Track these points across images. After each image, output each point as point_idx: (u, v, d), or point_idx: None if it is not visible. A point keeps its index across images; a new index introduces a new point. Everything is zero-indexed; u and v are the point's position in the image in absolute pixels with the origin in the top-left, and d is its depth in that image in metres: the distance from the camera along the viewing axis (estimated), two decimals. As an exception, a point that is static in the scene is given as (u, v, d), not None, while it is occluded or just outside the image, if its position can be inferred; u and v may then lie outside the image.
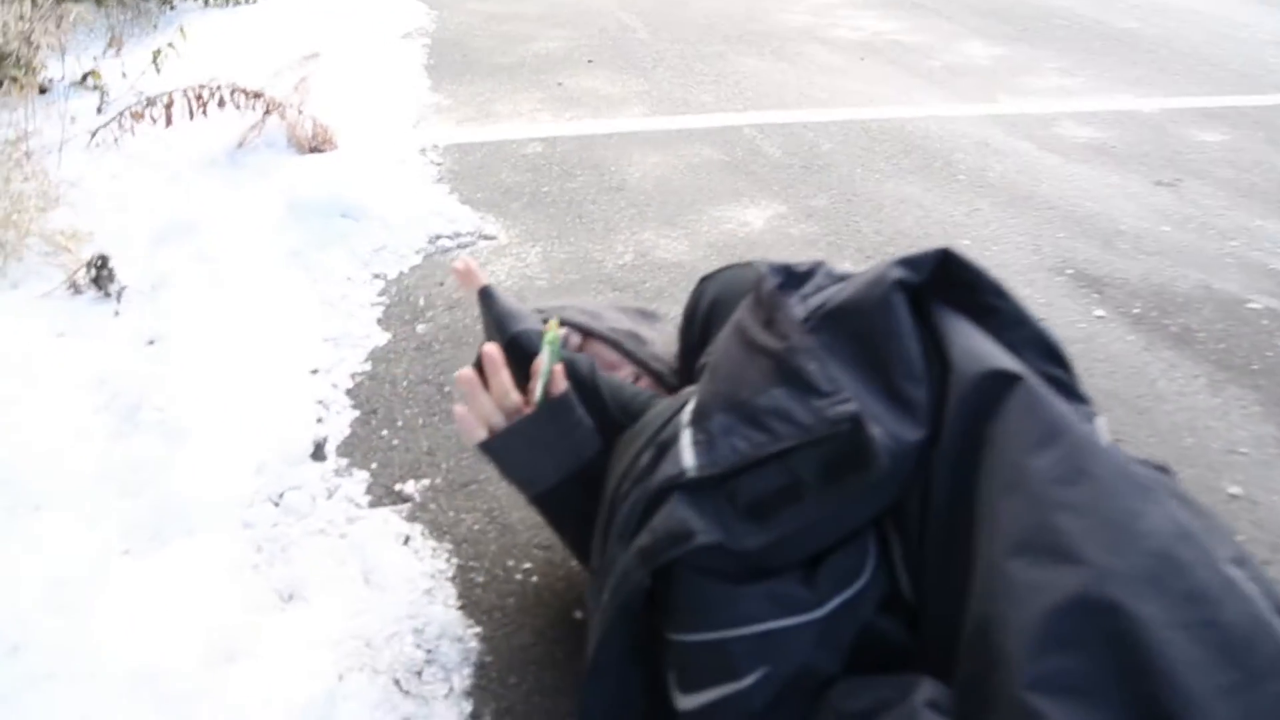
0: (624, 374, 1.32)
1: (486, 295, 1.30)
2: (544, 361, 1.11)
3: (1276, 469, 1.72)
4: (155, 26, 4.14)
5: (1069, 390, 1.10)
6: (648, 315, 1.52)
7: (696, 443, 0.96)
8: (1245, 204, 2.92)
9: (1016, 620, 0.77)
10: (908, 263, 1.06)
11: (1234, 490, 1.67)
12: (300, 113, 2.71)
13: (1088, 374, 1.97)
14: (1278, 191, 3.03)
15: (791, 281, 1.12)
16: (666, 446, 0.99)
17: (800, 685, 0.88)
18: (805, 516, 0.90)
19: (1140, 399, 1.92)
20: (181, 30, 3.36)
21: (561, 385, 1.13)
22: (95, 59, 3.44)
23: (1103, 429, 1.07)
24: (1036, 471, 0.88)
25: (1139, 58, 4.58)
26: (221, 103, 2.78)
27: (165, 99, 2.77)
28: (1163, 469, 1.14)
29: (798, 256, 2.22)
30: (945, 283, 1.08)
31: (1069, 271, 2.42)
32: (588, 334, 1.36)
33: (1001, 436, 0.91)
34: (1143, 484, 0.94)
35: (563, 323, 1.32)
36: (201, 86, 2.75)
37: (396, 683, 1.14)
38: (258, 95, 2.73)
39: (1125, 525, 0.84)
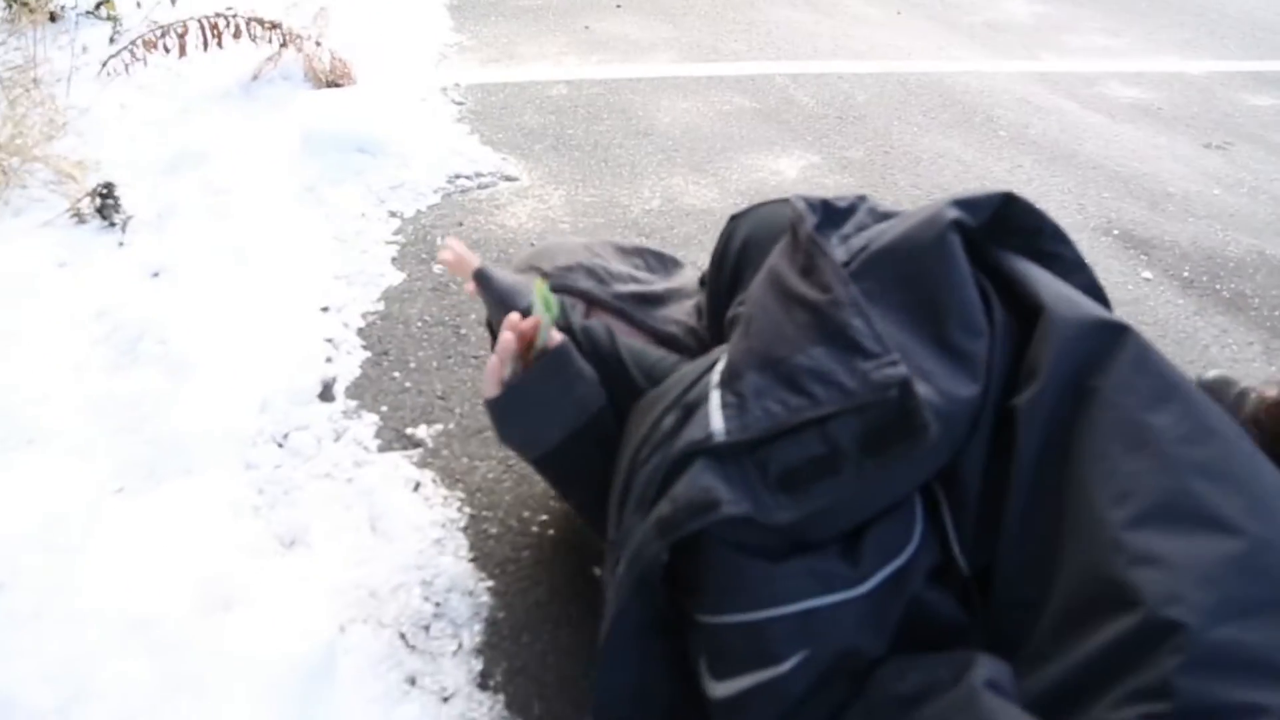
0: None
1: (483, 277, 1.17)
2: (541, 318, 1.00)
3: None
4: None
5: None
6: (666, 261, 1.37)
7: (726, 405, 0.85)
8: (1301, 168, 2.80)
9: (1166, 588, 0.69)
10: (965, 204, 0.96)
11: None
12: (318, 45, 2.61)
13: (1136, 338, 1.88)
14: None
15: (831, 219, 1.02)
16: (693, 409, 0.89)
17: (842, 668, 0.79)
18: (843, 489, 0.80)
19: (1191, 365, 1.82)
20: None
21: (556, 339, 1.02)
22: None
23: None
24: (1162, 430, 0.79)
25: (1187, 20, 4.41)
26: (237, 33, 2.67)
27: (179, 28, 2.66)
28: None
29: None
30: (1003, 229, 0.99)
31: (1115, 232, 2.31)
32: (592, 303, 1.22)
33: (1114, 391, 0.83)
34: (1247, 439, 0.86)
35: (567, 290, 1.20)
36: (217, 15, 2.65)
37: (402, 636, 1.06)
38: (274, 26, 2.62)
39: (1254, 486, 0.77)
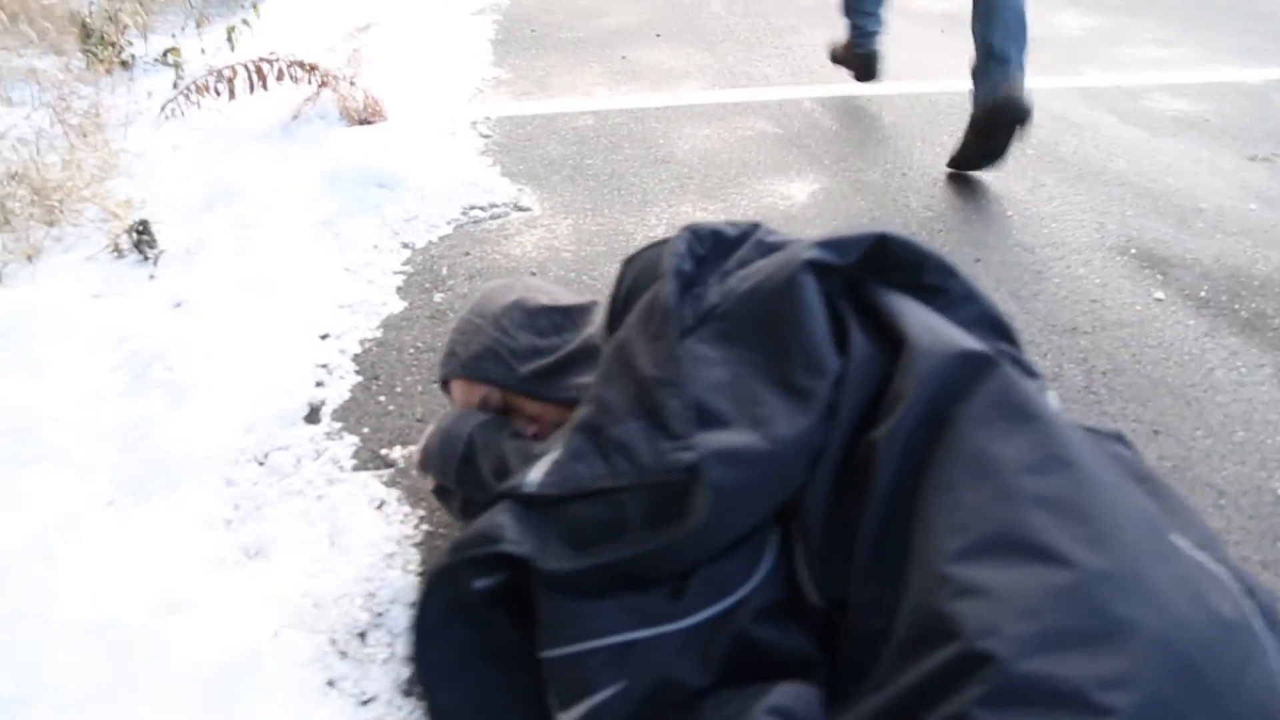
0: (549, 419, 1.25)
1: (441, 493, 1.28)
2: None
3: (1335, 467, 1.57)
4: (243, 5, 4.27)
5: (1021, 366, 1.03)
6: (574, 314, 1.33)
7: (554, 461, 0.95)
8: (1354, 181, 2.69)
9: (984, 620, 0.70)
10: (829, 244, 0.99)
11: (1285, 489, 1.53)
12: (352, 84, 2.75)
13: (1135, 361, 1.84)
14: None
15: (720, 250, 1.06)
16: (534, 460, 0.99)
17: (663, 698, 0.85)
18: (620, 553, 0.87)
19: (1192, 388, 1.78)
20: (255, 7, 3.45)
21: None
22: (174, 35, 3.56)
23: (1054, 403, 1.00)
24: (1009, 461, 0.81)
25: (1252, 26, 4.26)
26: (280, 76, 2.84)
27: (229, 72, 2.84)
28: (1118, 438, 1.05)
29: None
30: (886, 266, 1.02)
31: (1133, 251, 2.27)
32: (504, 389, 1.27)
33: (969, 421, 0.85)
34: (1113, 470, 0.87)
35: (483, 381, 1.26)
36: (262, 60, 2.82)
37: (333, 643, 1.13)
38: (313, 68, 2.77)
39: (1102, 519, 0.78)
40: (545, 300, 1.27)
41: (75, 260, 2.11)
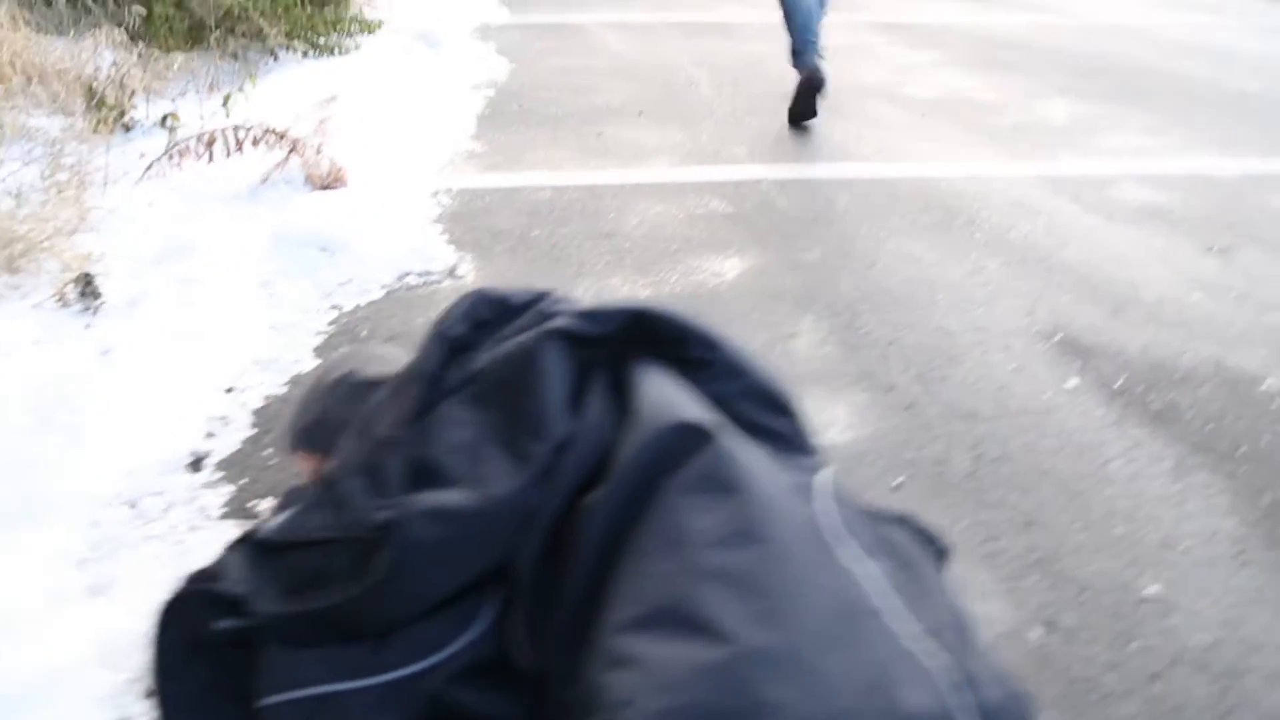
0: None
1: None
2: None
3: (1215, 570, 1.55)
4: (253, 75, 4.48)
5: (790, 442, 1.04)
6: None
7: (297, 510, 0.99)
8: (1305, 277, 2.67)
9: (625, 693, 0.72)
10: (587, 315, 1.04)
11: (1151, 590, 1.51)
12: (319, 152, 2.88)
13: (1027, 450, 1.85)
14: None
15: (501, 318, 1.10)
16: (287, 505, 1.03)
17: None
18: (326, 602, 0.89)
19: (1079, 480, 1.77)
20: (252, 78, 3.63)
21: None
22: (174, 100, 3.74)
23: (826, 482, 1.00)
24: (700, 533, 0.82)
25: (1243, 118, 4.27)
26: (255, 141, 2.98)
27: (208, 137, 2.99)
28: (900, 520, 1.05)
29: (763, 311, 2.17)
30: (652, 339, 1.05)
31: (1058, 338, 2.27)
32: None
33: (674, 491, 0.87)
34: (831, 547, 0.88)
35: (313, 450, 1.32)
36: (238, 127, 2.96)
37: (133, 683, 1.17)
38: (283, 135, 2.91)
39: (782, 597, 0.78)
40: (374, 372, 1.32)
41: (23, 308, 2.22)
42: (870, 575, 0.90)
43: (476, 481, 0.91)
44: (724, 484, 0.86)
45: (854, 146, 3.64)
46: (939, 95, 4.39)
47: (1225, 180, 3.47)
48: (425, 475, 0.93)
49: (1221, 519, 1.68)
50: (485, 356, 1.05)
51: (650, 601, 0.78)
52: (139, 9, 4.19)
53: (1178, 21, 6.87)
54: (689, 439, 0.90)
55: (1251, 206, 3.22)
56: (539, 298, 1.13)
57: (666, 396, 0.96)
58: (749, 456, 0.91)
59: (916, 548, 1.04)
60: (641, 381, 0.98)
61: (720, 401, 1.01)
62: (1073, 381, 2.10)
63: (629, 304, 1.05)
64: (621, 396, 0.98)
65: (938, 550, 1.04)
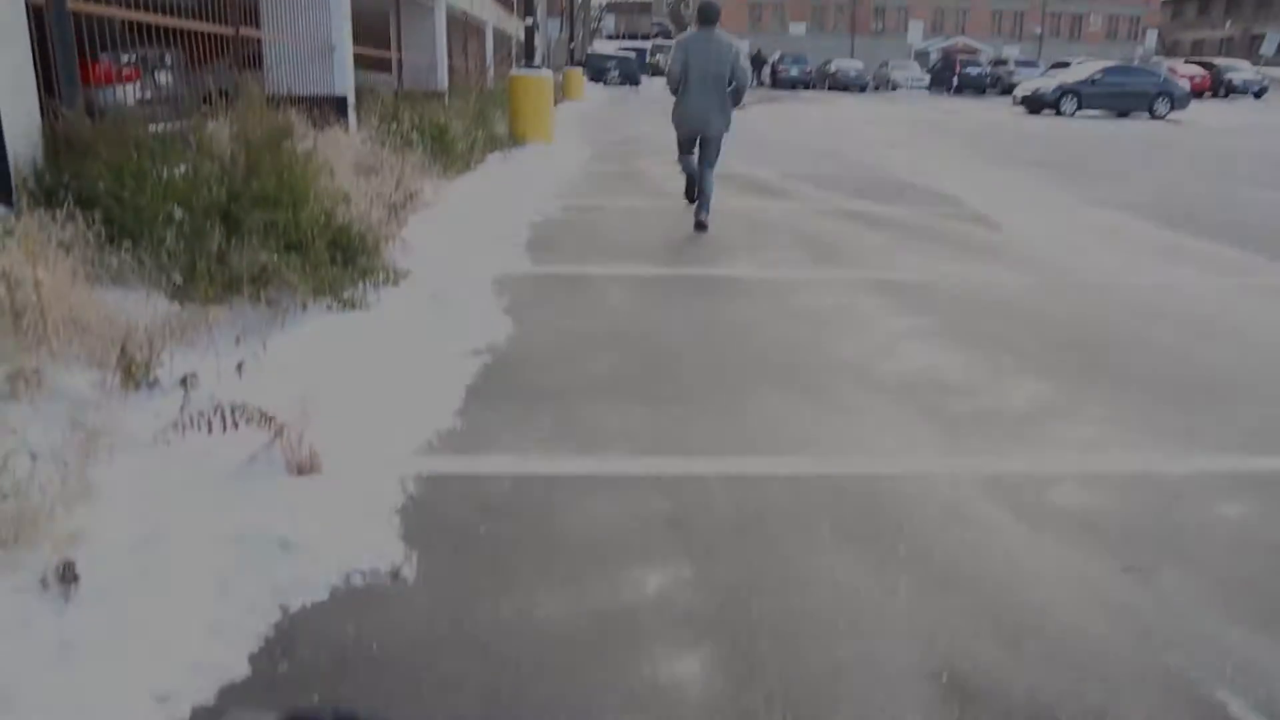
0: None
1: None
2: None
3: None
4: (283, 326, 4.91)
5: None
6: None
7: None
8: (1222, 606, 2.75)
9: None
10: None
11: None
12: (300, 439, 3.18)
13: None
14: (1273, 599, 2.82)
15: None
16: None
17: None
18: None
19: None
20: (264, 344, 4.02)
21: None
22: (203, 351, 4.13)
23: None
24: None
25: (1202, 404, 4.39)
26: (249, 420, 3.31)
27: (209, 414, 3.33)
28: None
29: (666, 642, 2.31)
30: None
31: (944, 678, 2.38)
32: None
33: None
34: None
35: None
36: (234, 407, 3.30)
37: None
38: (270, 419, 3.23)
39: None
40: None
41: (5, 589, 2.49)
42: None
43: None
44: None
45: (813, 435, 3.86)
46: (910, 374, 4.63)
47: (1169, 481, 3.59)
48: None
49: None
50: None
51: None
52: (177, 277, 4.69)
53: (1163, 281, 7.08)
54: None
55: (1186, 515, 3.33)
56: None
57: None
58: None
59: None
60: None
61: None
62: (950, 729, 2.21)
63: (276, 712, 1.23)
64: None
65: None
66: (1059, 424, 4.11)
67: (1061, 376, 4.69)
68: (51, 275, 4.44)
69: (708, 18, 7.66)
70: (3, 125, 5.23)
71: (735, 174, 12.26)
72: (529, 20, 15.41)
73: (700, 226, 7.95)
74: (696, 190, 8.08)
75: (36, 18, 5.78)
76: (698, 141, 7.99)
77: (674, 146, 8.44)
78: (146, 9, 7.23)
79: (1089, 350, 5.21)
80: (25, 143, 5.41)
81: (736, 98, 7.76)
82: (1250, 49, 58.91)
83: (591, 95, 32.76)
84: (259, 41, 10.19)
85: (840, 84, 43.50)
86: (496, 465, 3.41)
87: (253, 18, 10.24)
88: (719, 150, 7.94)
